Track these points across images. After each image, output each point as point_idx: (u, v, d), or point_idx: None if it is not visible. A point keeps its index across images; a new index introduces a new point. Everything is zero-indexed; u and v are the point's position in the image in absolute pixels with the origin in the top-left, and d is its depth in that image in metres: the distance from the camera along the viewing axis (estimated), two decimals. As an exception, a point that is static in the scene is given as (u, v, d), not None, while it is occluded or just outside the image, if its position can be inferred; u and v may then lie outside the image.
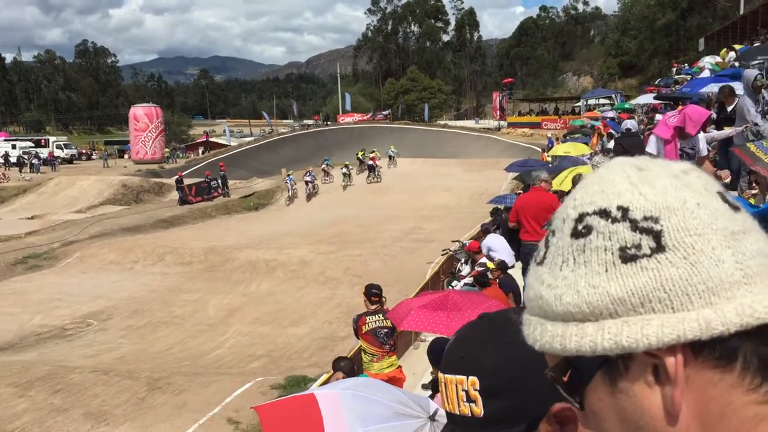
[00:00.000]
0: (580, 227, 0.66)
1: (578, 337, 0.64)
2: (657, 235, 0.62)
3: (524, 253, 8.13)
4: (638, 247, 0.62)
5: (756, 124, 8.37)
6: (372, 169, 40.16)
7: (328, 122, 67.23)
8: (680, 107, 8.10)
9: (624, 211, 0.64)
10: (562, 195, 8.98)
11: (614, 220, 0.64)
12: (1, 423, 9.00)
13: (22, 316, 17.69)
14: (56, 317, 17.51)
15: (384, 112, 70.68)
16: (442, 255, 15.99)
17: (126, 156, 64.40)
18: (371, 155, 41.58)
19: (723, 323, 0.60)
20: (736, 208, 0.66)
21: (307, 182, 36.91)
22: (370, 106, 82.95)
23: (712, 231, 0.62)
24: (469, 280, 9.71)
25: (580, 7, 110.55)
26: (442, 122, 71.04)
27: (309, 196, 36.52)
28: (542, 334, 0.67)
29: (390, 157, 45.34)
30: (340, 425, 3.07)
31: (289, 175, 37.28)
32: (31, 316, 17.62)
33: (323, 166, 41.15)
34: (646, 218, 0.63)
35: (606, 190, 0.66)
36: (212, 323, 16.70)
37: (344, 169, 39.01)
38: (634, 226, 0.63)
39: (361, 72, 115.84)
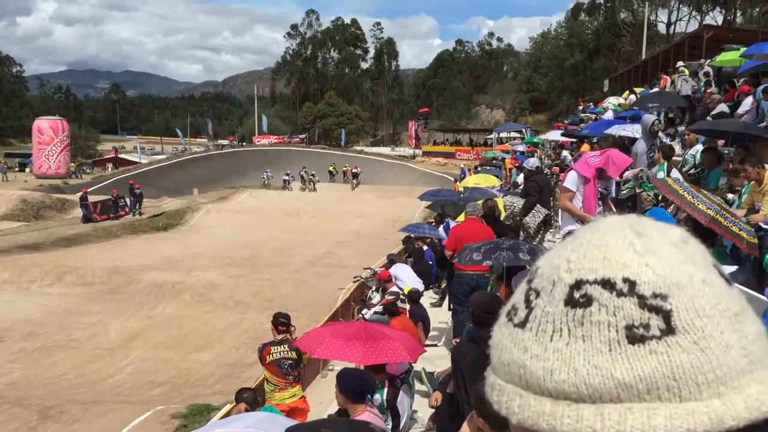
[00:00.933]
0: (577, 296, 0.61)
1: (573, 420, 0.58)
2: (667, 315, 0.58)
3: (458, 283, 8.11)
4: (647, 327, 0.58)
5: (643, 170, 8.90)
6: (356, 176, 50.09)
7: (244, 143, 66.48)
8: (602, 150, 8.41)
9: (631, 284, 0.59)
10: None
11: (620, 294, 0.59)
12: None
13: None
14: (-60, 339, 16.40)
15: (301, 136, 70.57)
16: (354, 282, 15.99)
17: (28, 170, 61.44)
18: (345, 168, 52.30)
19: (734, 417, 0.57)
20: (729, 283, 0.63)
21: (284, 180, 47.78)
22: (287, 129, 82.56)
23: (719, 312, 0.60)
24: (379, 308, 9.75)
25: (495, 43, 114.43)
26: (358, 148, 71.53)
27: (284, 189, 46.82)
28: (523, 408, 0.61)
29: (304, 179, 48.03)
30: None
31: (266, 172, 49.49)
32: None
33: (302, 172, 49.70)
34: (655, 295, 0.59)
35: (609, 257, 0.61)
36: (112, 347, 16.03)
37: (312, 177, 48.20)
38: (642, 302, 0.58)
39: (279, 94, 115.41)
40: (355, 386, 4.61)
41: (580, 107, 36.20)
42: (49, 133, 55.79)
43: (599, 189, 7.02)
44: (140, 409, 10.40)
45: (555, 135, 22.80)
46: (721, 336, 0.58)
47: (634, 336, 0.58)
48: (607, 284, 0.60)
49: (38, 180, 52.10)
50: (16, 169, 64.47)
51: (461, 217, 10.46)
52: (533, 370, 0.61)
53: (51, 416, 9.83)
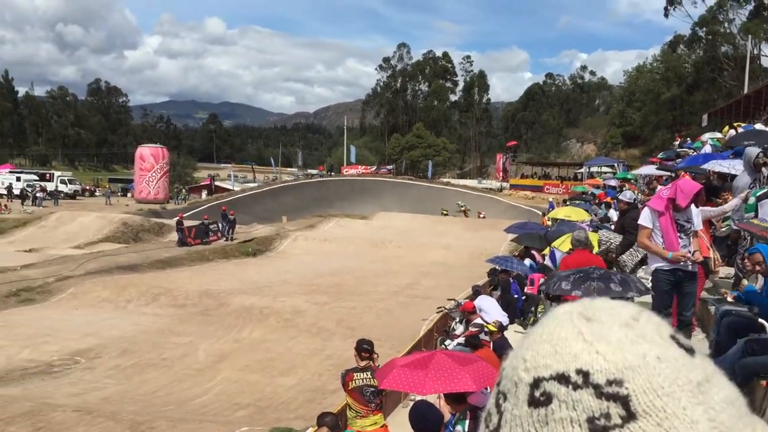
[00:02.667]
0: (537, 394, 0.60)
1: None
2: (625, 401, 0.57)
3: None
4: (607, 416, 0.57)
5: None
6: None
7: (332, 173, 67.77)
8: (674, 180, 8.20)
9: (584, 375, 0.58)
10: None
11: (575, 386, 0.58)
12: (-23, 458, 8.83)
13: (10, 349, 17.49)
14: (44, 353, 17.31)
15: (388, 167, 71.27)
16: (437, 312, 15.91)
17: (129, 195, 64.69)
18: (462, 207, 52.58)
19: None
20: (691, 351, 0.62)
21: None
22: (374, 160, 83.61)
23: (679, 388, 0.58)
24: (462, 340, 9.65)
25: (587, 76, 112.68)
26: (445, 180, 71.56)
27: None
28: None
29: None
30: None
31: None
32: (19, 350, 17.42)
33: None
34: (609, 382, 0.58)
35: (559, 350, 0.60)
36: (201, 368, 16.50)
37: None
38: (599, 392, 0.57)
39: (368, 126, 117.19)
40: (418, 423, 4.58)
41: (677, 142, 35.04)
42: (150, 160, 58.64)
43: (680, 222, 6.77)
44: (225, 429, 10.63)
45: (649, 170, 22.12)
46: (684, 413, 0.57)
47: (596, 428, 0.57)
48: (563, 378, 0.59)
49: (138, 204, 54.69)
50: (119, 194, 68.01)
51: (562, 245, 10.25)
52: None
53: (141, 431, 10.18)
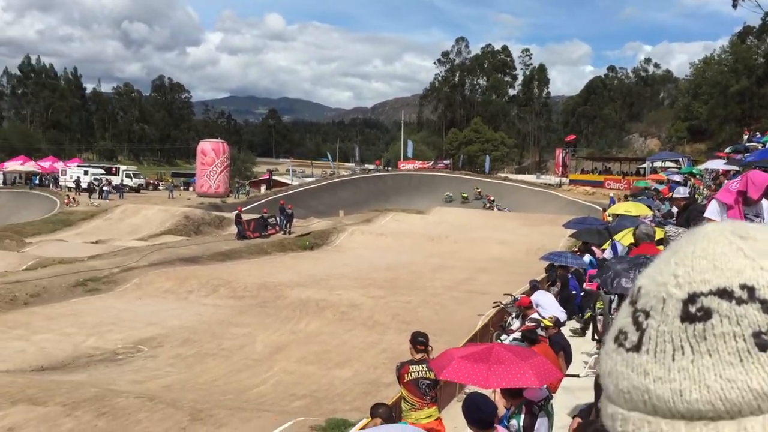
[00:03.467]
0: (693, 310, 0.58)
1: None
2: None
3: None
4: None
5: None
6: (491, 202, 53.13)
7: (389, 168, 67.86)
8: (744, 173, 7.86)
9: (750, 290, 0.57)
10: None
11: (740, 302, 0.57)
12: (46, 440, 9.17)
13: (77, 337, 18.13)
14: (109, 341, 17.88)
15: (445, 161, 70.94)
16: (493, 307, 15.77)
17: (191, 188, 66.19)
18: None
19: None
20: None
21: None
22: (431, 155, 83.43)
23: None
24: (518, 335, 9.53)
25: (651, 69, 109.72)
26: (502, 175, 70.85)
27: None
28: None
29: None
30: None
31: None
32: (86, 338, 18.04)
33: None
34: None
35: (720, 266, 0.59)
36: (258, 359, 16.76)
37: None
38: (766, 307, 0.56)
39: (426, 120, 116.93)
40: (472, 414, 4.52)
41: (746, 136, 33.80)
42: (211, 155, 59.83)
43: (749, 216, 6.50)
44: (282, 419, 10.77)
45: (716, 164, 21.39)
46: None
47: (764, 343, 0.56)
48: (725, 294, 0.58)
49: (199, 198, 55.90)
50: (181, 187, 69.66)
51: (624, 239, 10.02)
52: (659, 393, 0.58)
53: (200, 419, 10.40)
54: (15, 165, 68.58)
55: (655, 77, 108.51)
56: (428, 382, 6.88)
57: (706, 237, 0.62)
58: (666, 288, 0.60)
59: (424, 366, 6.91)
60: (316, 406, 13.23)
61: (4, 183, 63.65)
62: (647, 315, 0.60)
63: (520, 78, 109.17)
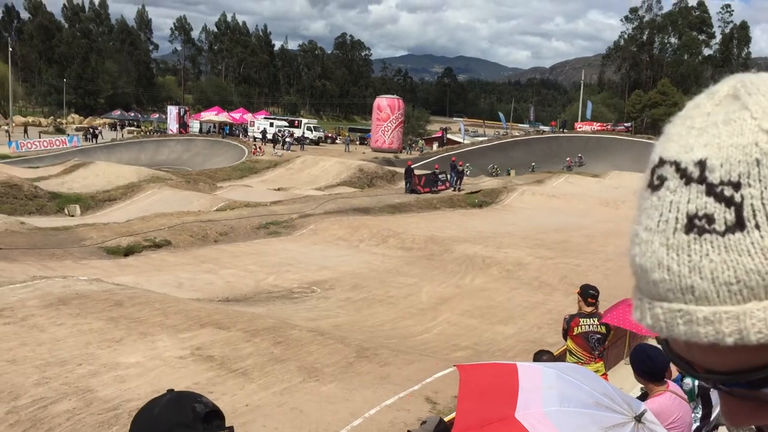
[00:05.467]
0: (654, 177, 0.56)
1: None
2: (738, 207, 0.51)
3: None
4: (710, 219, 0.52)
5: None
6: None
7: (564, 129, 65.57)
8: None
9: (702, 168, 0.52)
10: None
11: (689, 180, 0.53)
12: (230, 361, 10.00)
13: (258, 274, 19.50)
14: (286, 280, 19.05)
15: (626, 124, 67.27)
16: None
17: (366, 143, 68.20)
18: None
19: None
20: None
21: None
22: (611, 117, 79.48)
23: None
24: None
25: None
26: (689, 141, 66.02)
27: None
28: None
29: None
30: (535, 398, 2.98)
31: None
32: (266, 276, 19.36)
33: None
34: (723, 182, 0.51)
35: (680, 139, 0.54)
36: (423, 308, 17.11)
37: None
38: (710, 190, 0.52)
39: (607, 81, 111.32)
40: (641, 364, 4.28)
41: None
42: (386, 111, 61.10)
43: None
44: (443, 365, 10.95)
45: None
46: None
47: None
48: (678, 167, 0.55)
49: (374, 153, 57.47)
50: (357, 142, 72.00)
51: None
52: None
53: (366, 356, 10.84)
54: (210, 115, 74.45)
55: None
56: (598, 336, 6.67)
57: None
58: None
59: (595, 320, 6.69)
60: (477, 358, 13.31)
61: (200, 131, 69.22)
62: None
63: (718, 37, 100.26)
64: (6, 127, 76.59)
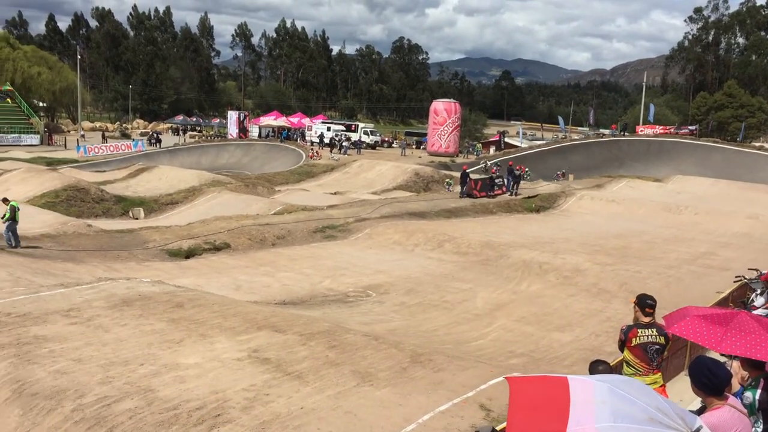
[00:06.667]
0: None
1: None
2: None
3: None
4: None
5: None
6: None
7: (625, 132, 64.15)
8: None
9: None
10: None
11: None
12: (285, 364, 10.14)
13: (314, 277, 19.72)
14: (341, 284, 19.21)
15: (690, 127, 65.36)
16: (735, 282, 14.40)
17: (422, 147, 68.15)
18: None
19: None
20: None
21: None
22: (675, 119, 77.40)
23: None
24: (763, 311, 8.64)
25: None
26: (758, 144, 63.71)
27: None
28: None
29: None
30: (587, 414, 2.94)
31: None
32: (322, 279, 19.56)
33: None
34: None
35: None
36: (479, 314, 17.00)
37: None
38: None
39: (671, 83, 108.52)
40: (701, 377, 4.15)
41: None
42: (443, 115, 60.95)
43: None
44: (498, 371, 10.86)
45: None
46: None
47: None
48: None
49: (430, 157, 57.40)
50: (413, 146, 72.03)
51: None
52: None
53: (420, 362, 10.83)
54: (269, 120, 75.73)
55: None
56: (657, 347, 6.52)
57: None
58: None
59: (654, 330, 6.55)
60: (533, 366, 13.16)
61: (259, 136, 70.44)
62: None
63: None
64: (81, 132, 79.51)
